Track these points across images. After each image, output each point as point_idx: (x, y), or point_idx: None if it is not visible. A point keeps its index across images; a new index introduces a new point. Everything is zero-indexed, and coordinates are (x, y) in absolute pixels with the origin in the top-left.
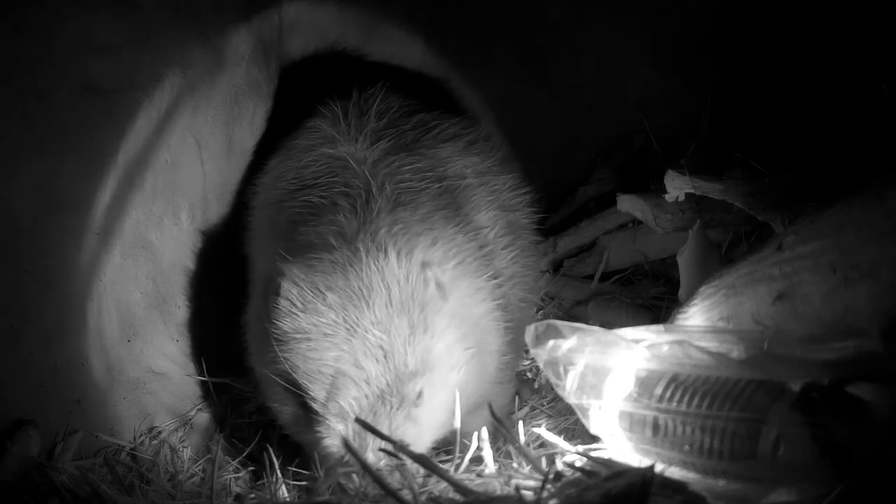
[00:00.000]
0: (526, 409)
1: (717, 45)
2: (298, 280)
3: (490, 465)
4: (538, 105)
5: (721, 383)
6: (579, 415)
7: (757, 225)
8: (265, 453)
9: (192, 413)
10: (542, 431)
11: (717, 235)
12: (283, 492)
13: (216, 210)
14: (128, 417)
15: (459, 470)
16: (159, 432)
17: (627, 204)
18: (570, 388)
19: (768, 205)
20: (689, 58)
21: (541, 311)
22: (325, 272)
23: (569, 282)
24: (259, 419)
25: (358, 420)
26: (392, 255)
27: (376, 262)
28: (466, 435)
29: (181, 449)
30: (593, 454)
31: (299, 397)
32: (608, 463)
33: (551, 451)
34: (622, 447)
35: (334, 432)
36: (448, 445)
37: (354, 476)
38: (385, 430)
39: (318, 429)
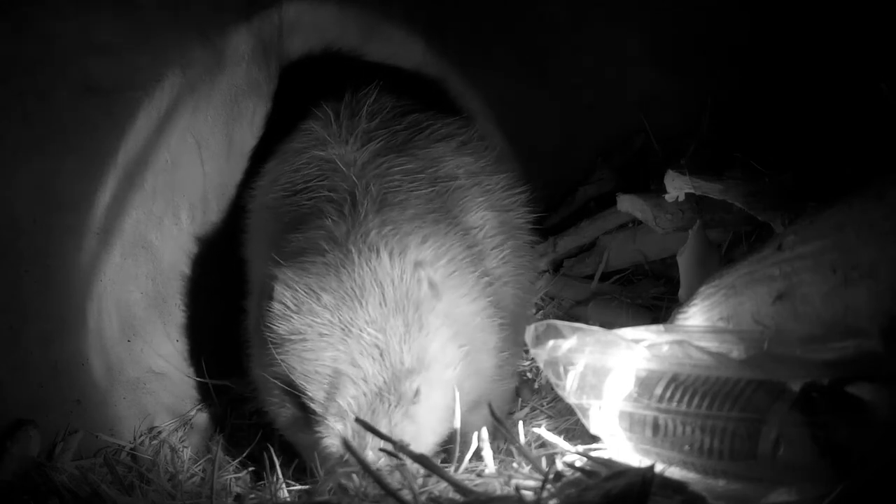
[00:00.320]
0: (526, 409)
1: (717, 45)
2: (292, 283)
3: (490, 465)
4: (538, 105)
5: (721, 383)
6: (579, 415)
7: (757, 225)
8: (265, 454)
9: (192, 413)
10: (542, 431)
11: (717, 235)
12: (284, 492)
13: (216, 210)
14: (128, 417)
15: (459, 470)
16: (159, 432)
17: (627, 204)
18: (570, 388)
19: (768, 205)
20: (689, 58)
21: (541, 311)
22: (319, 274)
23: (569, 282)
24: (259, 420)
25: (358, 420)
26: (384, 255)
27: (369, 263)
28: (466, 434)
29: (181, 449)
30: (593, 454)
31: (297, 399)
32: (608, 463)
33: (551, 451)
34: (622, 447)
35: (334, 432)
36: (448, 445)
37: (354, 476)
38: (384, 429)
39: (318, 429)
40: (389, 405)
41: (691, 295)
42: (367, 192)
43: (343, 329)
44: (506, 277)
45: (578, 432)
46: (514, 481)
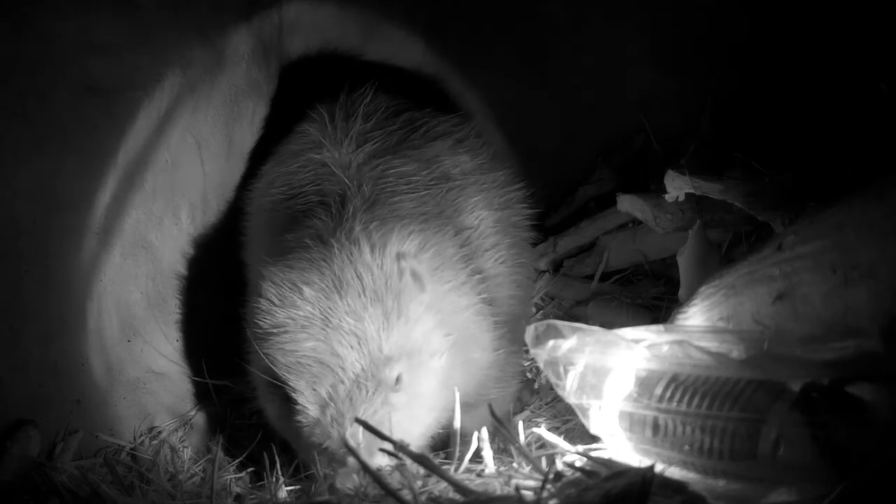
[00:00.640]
0: (526, 409)
1: (717, 45)
2: (276, 279)
3: (490, 465)
4: (538, 105)
5: (721, 383)
6: (579, 415)
7: (757, 225)
8: (265, 454)
9: (192, 413)
10: (542, 431)
11: (717, 235)
12: (283, 492)
13: (216, 210)
14: (128, 417)
15: (459, 470)
16: (159, 432)
17: (627, 204)
18: (570, 388)
19: (768, 205)
20: (689, 58)
21: (541, 311)
22: (302, 269)
23: (569, 282)
24: (259, 420)
25: (358, 420)
26: (365, 247)
27: (349, 256)
28: (465, 434)
29: (181, 449)
30: (593, 454)
31: (283, 392)
32: (608, 463)
33: (551, 451)
34: (622, 447)
35: (312, 420)
36: (447, 446)
37: (354, 476)
38: (362, 416)
39: (298, 418)
40: (367, 392)
41: (691, 295)
42: (358, 192)
43: (323, 320)
44: (502, 277)
45: (578, 432)
46: (514, 481)
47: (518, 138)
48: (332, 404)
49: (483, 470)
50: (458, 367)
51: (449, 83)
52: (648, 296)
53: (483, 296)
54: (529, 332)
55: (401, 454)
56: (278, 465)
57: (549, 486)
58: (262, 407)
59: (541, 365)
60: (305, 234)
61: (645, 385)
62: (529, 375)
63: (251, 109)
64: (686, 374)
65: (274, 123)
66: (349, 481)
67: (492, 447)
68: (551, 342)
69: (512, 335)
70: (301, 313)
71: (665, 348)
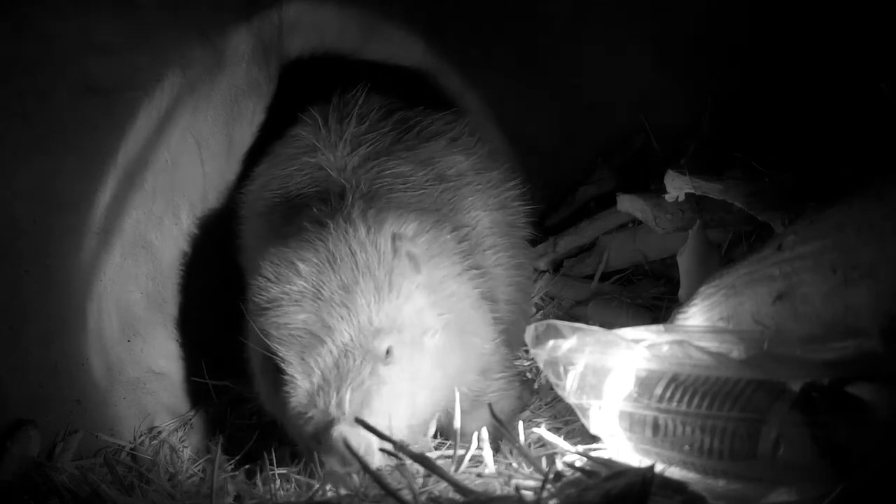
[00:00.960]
0: (527, 409)
1: (717, 45)
2: (273, 258)
3: (490, 465)
4: (538, 105)
5: (721, 383)
6: (579, 415)
7: (757, 225)
8: (265, 453)
9: (192, 413)
10: (542, 431)
11: (717, 235)
12: (283, 492)
13: (216, 210)
14: (128, 417)
15: (459, 470)
16: (159, 432)
17: (627, 204)
18: (570, 388)
19: (768, 205)
20: (689, 58)
21: (541, 311)
22: (298, 247)
23: (569, 282)
24: (259, 420)
25: (358, 420)
26: (361, 227)
27: (345, 234)
28: (466, 435)
29: (181, 449)
30: (593, 454)
31: (275, 368)
32: (608, 463)
33: (551, 451)
34: (622, 447)
35: (300, 390)
36: (448, 444)
37: (354, 476)
38: (349, 385)
39: (286, 389)
40: (355, 361)
41: (691, 295)
42: (357, 189)
43: (315, 293)
44: (500, 276)
45: (578, 432)
46: (514, 481)
47: (518, 138)
48: (320, 373)
49: (483, 470)
50: (455, 352)
51: (449, 83)
52: (648, 296)
53: (481, 290)
54: (529, 332)
55: (401, 454)
56: (277, 466)
57: (549, 486)
58: (256, 390)
59: (541, 365)
60: (304, 219)
61: (645, 385)
62: (529, 375)
63: (251, 109)
64: (686, 374)
65: (270, 123)
66: (335, 465)
67: (492, 447)
68: (551, 342)
69: (511, 337)
70: (295, 288)
71: (665, 348)
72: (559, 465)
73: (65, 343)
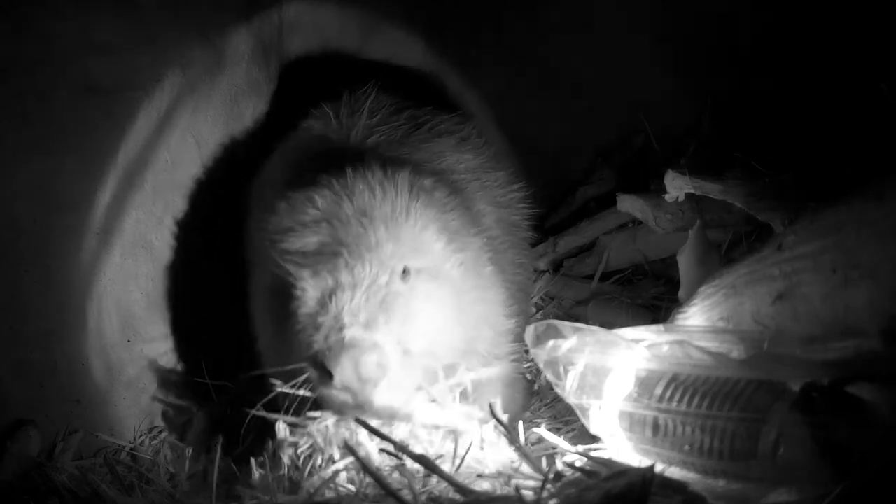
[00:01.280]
0: (527, 409)
1: (717, 45)
2: (290, 196)
3: (490, 466)
4: (538, 105)
5: (721, 383)
6: (579, 415)
7: (757, 225)
8: (265, 453)
9: (192, 413)
10: (542, 431)
11: (717, 235)
12: (283, 491)
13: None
14: (128, 417)
15: (459, 470)
16: (159, 432)
17: (627, 204)
18: (570, 388)
19: (768, 205)
20: (689, 58)
21: (541, 311)
22: (314, 185)
23: (569, 282)
24: (259, 420)
25: (358, 420)
26: (378, 169)
27: (363, 174)
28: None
29: (181, 449)
30: (593, 454)
31: (277, 316)
32: (608, 463)
33: (551, 451)
34: (622, 447)
35: (311, 296)
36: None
37: (355, 476)
38: (367, 292)
39: (294, 303)
40: (371, 268)
41: (691, 295)
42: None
43: (329, 220)
44: (501, 274)
45: (578, 432)
46: (514, 481)
47: (518, 138)
48: (333, 281)
49: (483, 470)
50: (472, 291)
51: (449, 83)
52: (648, 296)
53: (492, 267)
54: (529, 332)
55: (401, 454)
56: (274, 465)
57: (549, 486)
58: (256, 336)
59: (541, 365)
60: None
61: (645, 385)
62: (529, 376)
63: (251, 109)
64: (686, 374)
65: (274, 122)
66: (336, 396)
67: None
68: (551, 342)
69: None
70: (309, 217)
71: (665, 348)
72: (559, 465)
73: (65, 343)
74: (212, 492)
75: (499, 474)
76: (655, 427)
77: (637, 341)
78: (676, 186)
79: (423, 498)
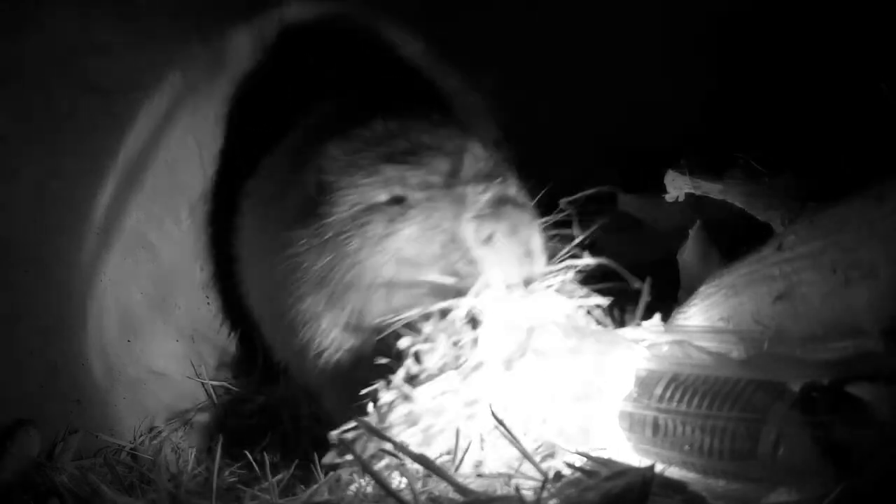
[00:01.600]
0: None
1: (717, 45)
2: (336, 155)
3: (490, 466)
4: (538, 105)
5: (721, 383)
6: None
7: (757, 225)
8: (265, 453)
9: (192, 413)
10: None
11: (717, 235)
12: (283, 491)
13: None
14: (128, 417)
15: (459, 470)
16: (160, 432)
17: (627, 204)
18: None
19: (768, 205)
20: (688, 58)
21: None
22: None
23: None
24: (259, 420)
25: (359, 420)
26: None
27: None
28: None
29: (182, 449)
30: (593, 454)
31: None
32: (608, 463)
33: (551, 451)
34: (622, 447)
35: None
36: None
37: (355, 476)
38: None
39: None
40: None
41: (691, 295)
42: None
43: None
44: None
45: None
46: (514, 481)
47: (518, 138)
48: (440, 176)
49: (483, 470)
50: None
51: (449, 82)
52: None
53: None
54: None
55: (401, 454)
56: (274, 466)
57: (549, 486)
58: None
59: None
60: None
61: (645, 385)
62: None
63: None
64: (686, 374)
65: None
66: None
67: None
68: None
69: None
70: (367, 160)
71: (665, 348)
72: (559, 465)
73: (65, 343)
74: (212, 492)
75: (499, 474)
76: (655, 427)
77: (637, 341)
78: (676, 186)
79: (423, 498)
